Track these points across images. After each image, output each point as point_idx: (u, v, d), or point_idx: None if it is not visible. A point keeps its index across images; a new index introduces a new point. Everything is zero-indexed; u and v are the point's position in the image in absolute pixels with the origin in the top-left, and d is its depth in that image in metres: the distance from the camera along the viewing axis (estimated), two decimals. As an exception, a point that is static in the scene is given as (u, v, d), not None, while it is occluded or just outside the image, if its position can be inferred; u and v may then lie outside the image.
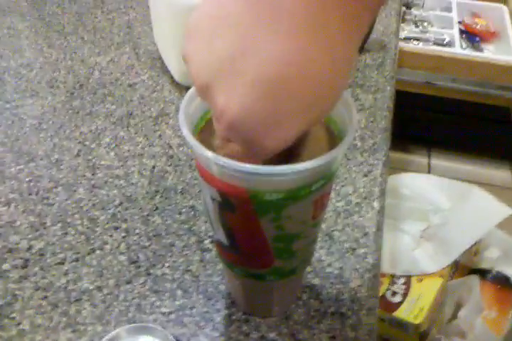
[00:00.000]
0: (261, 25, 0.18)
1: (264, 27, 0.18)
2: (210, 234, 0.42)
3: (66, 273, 0.38)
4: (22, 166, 0.47)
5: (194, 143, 0.23)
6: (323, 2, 0.18)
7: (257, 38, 0.19)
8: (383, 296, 0.89)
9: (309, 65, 0.19)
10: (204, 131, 0.27)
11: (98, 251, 0.40)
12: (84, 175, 0.47)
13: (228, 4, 0.19)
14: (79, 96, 0.57)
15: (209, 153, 0.22)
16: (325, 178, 0.25)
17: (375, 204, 0.45)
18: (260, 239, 0.27)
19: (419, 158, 1.48)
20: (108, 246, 0.40)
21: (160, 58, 0.62)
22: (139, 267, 0.39)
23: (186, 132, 0.23)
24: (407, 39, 1.23)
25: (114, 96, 0.57)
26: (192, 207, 0.44)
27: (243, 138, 0.21)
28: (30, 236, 0.41)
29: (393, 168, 1.26)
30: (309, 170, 0.22)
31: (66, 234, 0.41)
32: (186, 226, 0.42)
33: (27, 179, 0.46)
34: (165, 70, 0.61)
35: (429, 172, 1.45)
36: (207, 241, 0.41)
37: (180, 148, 0.50)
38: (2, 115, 0.54)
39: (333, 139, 0.26)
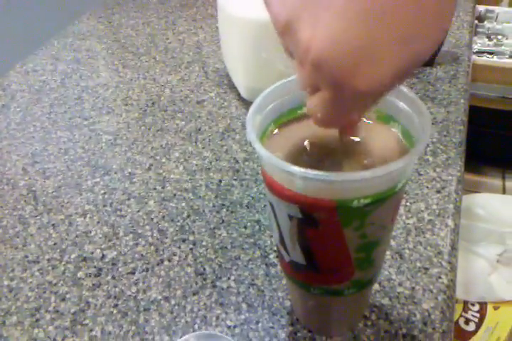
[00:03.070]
0: None
1: None
2: (275, 248, 0.41)
3: (136, 283, 0.39)
4: (98, 179, 0.50)
5: (274, 158, 0.22)
6: None
7: None
8: (456, 323, 0.83)
9: None
10: (268, 144, 0.27)
11: (166, 262, 0.41)
12: (155, 188, 0.48)
13: None
14: (151, 113, 0.59)
15: (295, 168, 0.21)
16: (405, 177, 0.24)
17: (450, 221, 0.43)
18: (343, 251, 0.26)
19: (493, 180, 1.39)
20: (176, 258, 0.41)
21: (227, 75, 0.64)
22: (205, 279, 0.39)
23: (260, 147, 0.22)
24: (480, 53, 1.18)
25: (183, 112, 0.59)
26: (257, 221, 0.44)
27: (331, 76, 0.18)
28: (103, 245, 0.43)
29: (465, 190, 1.19)
30: (400, 167, 0.21)
31: (137, 244, 0.42)
32: (251, 240, 0.42)
33: (102, 191, 0.48)
34: (232, 87, 0.62)
35: (504, 194, 1.36)
36: (272, 256, 0.41)
37: (246, 163, 0.51)
38: (81, 131, 0.57)
39: (405, 151, 0.26)
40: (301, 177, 0.22)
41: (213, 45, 0.74)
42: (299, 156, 0.26)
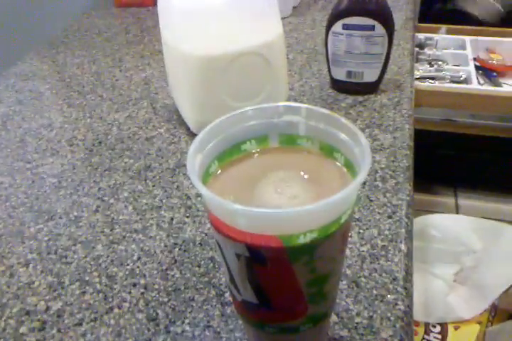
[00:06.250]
0: None
1: None
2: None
3: (84, 335, 0.37)
4: (41, 225, 0.47)
5: (214, 197, 0.21)
6: None
7: None
8: (420, 346, 0.83)
9: None
10: (213, 184, 0.26)
11: (116, 310, 0.39)
12: (103, 231, 0.46)
13: None
14: (98, 152, 0.58)
15: (237, 206, 0.21)
16: (350, 208, 0.24)
17: (403, 246, 0.43)
18: (294, 288, 0.26)
19: (446, 199, 1.44)
20: (126, 304, 0.39)
21: (176, 111, 0.63)
22: (158, 325, 0.37)
23: (201, 187, 0.22)
24: (423, 78, 1.23)
25: (132, 150, 0.58)
26: (211, 259, 0.43)
27: None
28: (47, 297, 0.40)
29: (419, 210, 1.21)
30: (342, 199, 0.21)
31: (84, 293, 0.40)
32: (206, 279, 0.41)
33: (46, 238, 0.46)
34: (181, 122, 0.62)
35: (457, 212, 1.40)
36: (227, 294, 0.39)
37: (198, 198, 0.50)
38: (23, 175, 0.55)
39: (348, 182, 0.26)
40: (244, 215, 0.22)
41: (161, 80, 0.74)
42: (244, 194, 0.26)
